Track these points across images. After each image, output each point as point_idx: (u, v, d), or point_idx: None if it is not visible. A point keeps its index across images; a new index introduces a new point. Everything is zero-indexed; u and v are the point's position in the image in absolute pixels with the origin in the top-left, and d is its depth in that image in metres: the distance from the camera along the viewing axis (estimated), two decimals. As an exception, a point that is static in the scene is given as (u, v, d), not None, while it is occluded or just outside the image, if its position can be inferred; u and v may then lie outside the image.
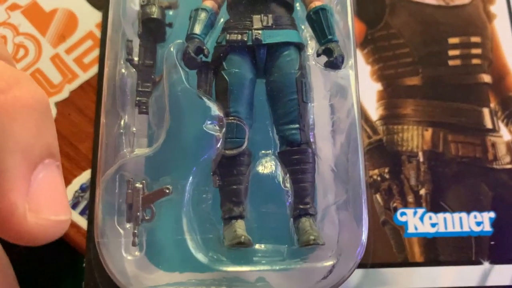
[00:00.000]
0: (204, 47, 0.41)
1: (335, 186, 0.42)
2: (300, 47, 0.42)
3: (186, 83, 0.40)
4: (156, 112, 0.43)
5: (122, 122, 0.42)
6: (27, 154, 0.24)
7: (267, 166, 0.41)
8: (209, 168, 0.39)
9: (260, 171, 0.41)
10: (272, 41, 0.41)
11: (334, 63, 0.41)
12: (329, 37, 0.42)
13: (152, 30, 0.46)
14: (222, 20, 0.45)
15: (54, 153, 0.26)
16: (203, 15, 0.42)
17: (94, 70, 0.53)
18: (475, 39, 0.56)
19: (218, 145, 0.39)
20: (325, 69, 0.41)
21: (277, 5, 0.42)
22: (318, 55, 0.41)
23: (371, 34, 0.55)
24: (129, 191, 0.37)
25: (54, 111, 0.52)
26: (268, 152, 0.41)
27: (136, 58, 0.46)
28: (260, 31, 0.41)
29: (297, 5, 0.45)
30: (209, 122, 0.39)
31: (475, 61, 0.55)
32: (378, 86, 0.54)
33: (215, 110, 0.39)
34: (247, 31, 0.41)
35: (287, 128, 0.40)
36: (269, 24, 0.41)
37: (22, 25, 0.54)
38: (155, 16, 0.45)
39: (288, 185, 0.40)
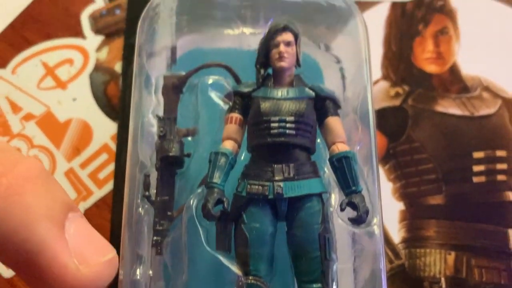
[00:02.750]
0: (224, 199, 0.40)
1: None
2: (323, 195, 0.41)
3: (206, 244, 0.38)
4: (174, 256, 0.42)
5: (138, 270, 0.41)
6: (51, 217, 0.25)
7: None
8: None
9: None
10: (293, 194, 0.40)
11: (358, 219, 0.39)
12: (353, 188, 0.40)
13: (171, 163, 0.45)
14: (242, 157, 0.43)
15: (73, 206, 0.27)
16: (222, 161, 0.41)
17: (109, 186, 0.52)
18: (500, 153, 0.54)
19: (237, 308, 0.38)
20: (350, 224, 0.40)
21: (299, 152, 0.41)
22: (342, 209, 0.40)
23: (393, 148, 0.54)
24: None
25: (68, 231, 0.50)
26: (290, 311, 0.40)
27: (154, 191, 0.45)
28: (281, 183, 0.40)
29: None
30: (227, 288, 0.37)
31: (500, 177, 0.53)
32: (400, 206, 0.52)
33: (234, 270, 0.38)
34: (268, 183, 0.40)
35: (310, 287, 0.39)
36: (291, 175, 0.40)
37: (37, 137, 0.53)
38: (173, 154, 0.44)
39: None
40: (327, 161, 0.42)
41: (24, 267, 0.25)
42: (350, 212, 0.40)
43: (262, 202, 0.40)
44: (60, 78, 0.55)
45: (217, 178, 0.40)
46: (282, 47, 0.42)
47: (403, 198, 0.52)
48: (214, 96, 0.45)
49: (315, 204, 0.40)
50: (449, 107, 0.55)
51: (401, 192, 0.53)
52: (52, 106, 0.54)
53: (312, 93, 0.43)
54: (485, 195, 0.53)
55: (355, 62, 0.48)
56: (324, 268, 0.39)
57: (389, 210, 0.52)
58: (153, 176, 0.45)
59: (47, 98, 0.54)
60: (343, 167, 0.41)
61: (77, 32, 0.56)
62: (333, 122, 0.43)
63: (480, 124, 0.55)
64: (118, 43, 0.56)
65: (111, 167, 0.52)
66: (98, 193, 0.52)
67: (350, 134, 0.45)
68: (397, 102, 0.55)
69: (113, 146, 0.53)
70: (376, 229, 0.40)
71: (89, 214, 0.51)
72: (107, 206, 0.51)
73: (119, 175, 0.51)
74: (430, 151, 0.54)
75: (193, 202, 0.40)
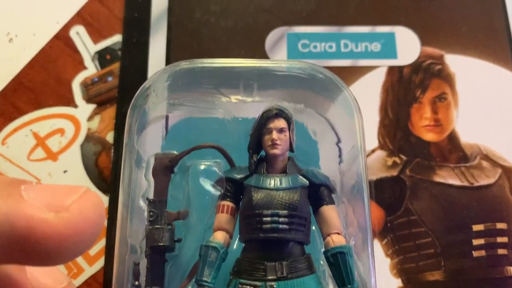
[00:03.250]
0: (215, 300, 0.39)
1: None
2: (319, 291, 0.40)
3: None
4: None
5: None
6: (2, 194, 0.24)
7: None
8: None
9: None
10: (287, 295, 0.38)
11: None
12: (348, 286, 0.39)
13: (161, 251, 0.44)
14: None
15: (24, 181, 0.25)
16: (213, 256, 0.40)
17: (100, 263, 0.51)
18: (501, 225, 0.53)
19: None
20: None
21: (293, 247, 0.40)
22: (337, 311, 0.39)
23: (390, 221, 0.52)
24: None
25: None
26: None
27: (144, 278, 0.44)
28: (274, 283, 0.38)
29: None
30: None
31: (501, 251, 0.52)
32: (398, 282, 0.51)
33: None
34: (260, 283, 0.38)
35: None
36: (284, 274, 0.39)
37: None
38: (163, 244, 0.43)
39: None
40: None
41: (12, 246, 0.23)
42: (345, 311, 0.39)
43: (254, 301, 0.39)
44: (51, 149, 0.54)
45: (207, 275, 0.39)
46: (274, 134, 0.41)
47: (401, 274, 0.51)
48: (205, 183, 0.44)
49: (310, 302, 0.39)
50: (448, 177, 0.54)
51: (398, 268, 0.51)
52: (43, 179, 0.53)
53: (306, 182, 0.42)
54: (486, 270, 0.51)
55: (350, 139, 0.47)
56: None
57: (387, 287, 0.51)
58: (143, 261, 0.44)
59: (38, 170, 0.53)
60: (338, 263, 0.40)
61: (69, 100, 0.55)
62: (328, 211, 0.42)
63: (480, 194, 0.54)
64: (110, 112, 0.55)
65: (102, 243, 0.51)
66: (89, 270, 0.50)
67: (346, 220, 0.44)
68: (394, 172, 0.54)
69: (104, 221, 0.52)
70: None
71: (79, 294, 0.50)
72: (98, 284, 0.50)
73: (109, 252, 0.50)
74: (429, 224, 0.52)
75: (182, 302, 0.39)
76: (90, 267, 0.51)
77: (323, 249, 0.41)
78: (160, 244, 0.43)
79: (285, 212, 0.39)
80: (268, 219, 0.39)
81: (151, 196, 0.45)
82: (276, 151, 0.41)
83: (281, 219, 0.39)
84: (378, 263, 0.51)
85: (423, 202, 0.53)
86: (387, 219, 0.52)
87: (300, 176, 0.42)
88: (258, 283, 0.38)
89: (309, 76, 0.46)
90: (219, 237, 0.41)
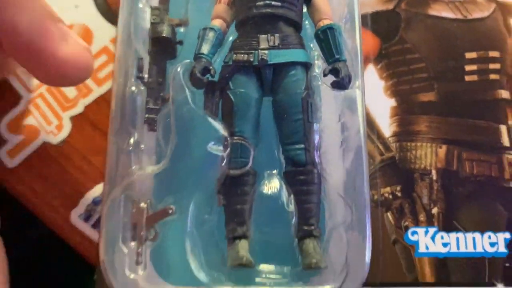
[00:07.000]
0: (211, 67, 0.41)
1: (343, 207, 0.42)
2: (307, 66, 0.42)
3: (192, 104, 0.40)
4: (164, 130, 0.43)
5: (131, 140, 0.43)
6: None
7: (272, 186, 0.41)
8: (213, 188, 0.39)
9: (264, 191, 0.41)
10: (278, 61, 0.41)
11: (341, 83, 0.41)
12: (337, 56, 0.41)
13: (162, 48, 0.46)
14: (231, 38, 0.45)
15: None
16: (211, 35, 0.42)
17: (108, 84, 0.54)
18: (493, 53, 0.55)
19: (223, 165, 0.39)
20: (332, 89, 0.41)
21: (285, 24, 0.42)
22: (325, 75, 0.41)
23: (385, 48, 0.55)
24: (134, 210, 0.38)
25: (68, 126, 0.53)
26: (273, 172, 0.41)
27: (146, 75, 0.46)
28: (266, 51, 0.41)
29: (307, 23, 0.45)
30: (213, 142, 0.39)
31: (493, 76, 0.54)
32: (391, 102, 0.53)
33: (220, 130, 0.40)
34: (253, 51, 0.41)
35: (292, 148, 0.40)
36: (276, 44, 0.41)
37: (40, 40, 0.55)
38: (164, 35, 0.46)
39: (292, 206, 0.40)
40: (314, 40, 0.44)
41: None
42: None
43: (247, 70, 0.41)
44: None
45: (205, 49, 0.42)
46: None
47: (395, 95, 0.53)
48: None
49: (299, 72, 0.41)
50: (442, 10, 0.56)
51: (392, 89, 0.53)
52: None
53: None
54: (478, 93, 0.53)
55: None
56: (307, 130, 0.40)
57: (380, 106, 0.53)
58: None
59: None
60: (328, 38, 0.42)
61: None
62: (320, 1, 0.44)
63: (473, 26, 0.55)
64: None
65: (110, 67, 0.54)
66: (98, 91, 0.54)
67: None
68: (390, 6, 0.56)
69: (112, 48, 0.55)
70: (358, 91, 0.41)
71: (89, 110, 0.53)
72: (107, 103, 0.53)
73: (118, 74, 0.53)
74: (423, 52, 0.54)
75: (180, 69, 0.42)
76: (99, 87, 0.54)
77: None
78: (162, 35, 0.45)
79: (277, -10, 0.42)
80: (262, -3, 0.42)
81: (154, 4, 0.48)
82: None
83: (273, -4, 0.42)
84: (373, 85, 0.53)
85: (417, 33, 0.55)
86: (382, 46, 0.55)
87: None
88: (251, 51, 0.41)
89: None
90: (217, 22, 0.43)
